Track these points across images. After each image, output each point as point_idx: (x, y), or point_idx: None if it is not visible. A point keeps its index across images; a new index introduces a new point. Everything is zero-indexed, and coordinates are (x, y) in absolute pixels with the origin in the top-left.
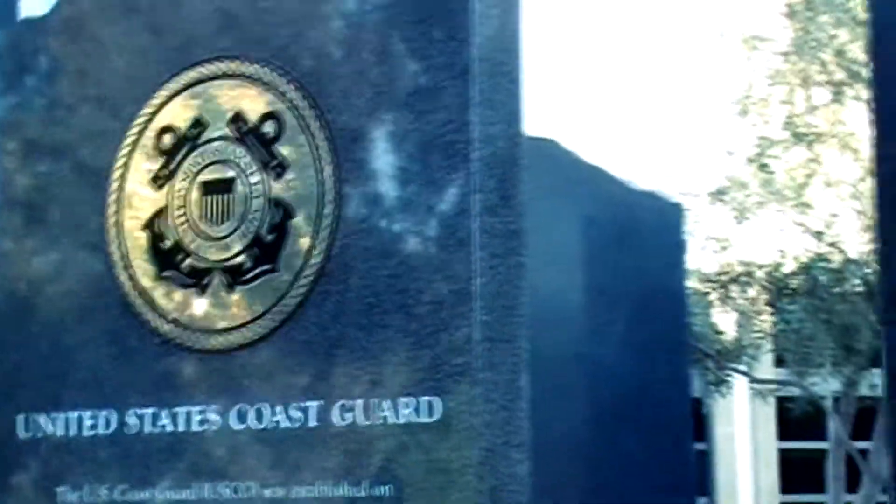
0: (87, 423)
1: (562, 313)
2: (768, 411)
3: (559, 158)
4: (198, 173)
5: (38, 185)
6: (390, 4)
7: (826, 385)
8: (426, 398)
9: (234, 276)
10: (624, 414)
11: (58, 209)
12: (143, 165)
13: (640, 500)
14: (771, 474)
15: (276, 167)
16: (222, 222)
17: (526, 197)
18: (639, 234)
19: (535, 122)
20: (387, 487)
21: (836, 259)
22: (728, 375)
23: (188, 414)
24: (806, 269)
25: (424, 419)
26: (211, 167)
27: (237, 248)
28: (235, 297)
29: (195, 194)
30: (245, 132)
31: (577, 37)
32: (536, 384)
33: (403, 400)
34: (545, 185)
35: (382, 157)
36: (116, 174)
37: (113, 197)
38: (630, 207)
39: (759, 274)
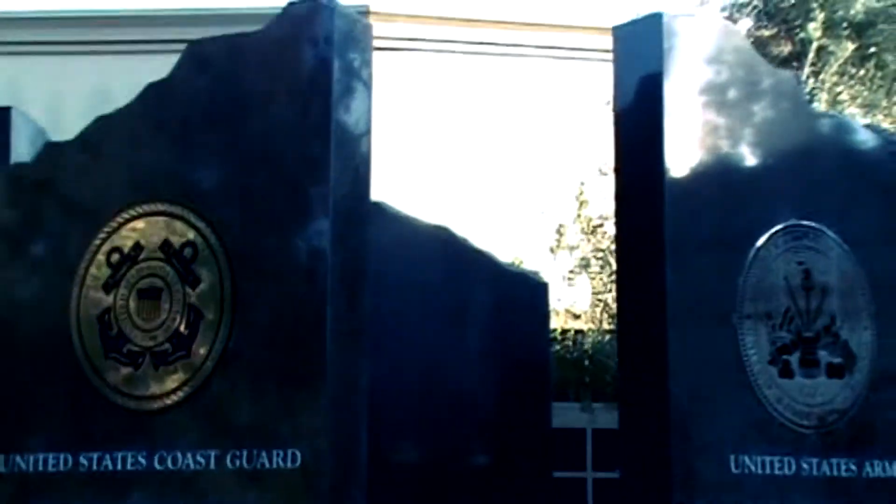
0: (51, 462)
1: (450, 370)
2: None
3: (451, 243)
4: (136, 283)
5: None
6: (272, 169)
7: None
8: (290, 450)
9: (160, 358)
10: (494, 451)
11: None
12: (97, 275)
13: None
14: None
15: (192, 281)
16: (153, 319)
17: (369, 304)
18: (512, 307)
19: (432, 213)
20: None
21: None
22: None
23: (124, 458)
24: None
25: (289, 465)
26: (145, 279)
27: (162, 338)
28: (160, 374)
29: (133, 298)
30: (171, 254)
31: (477, 125)
32: (419, 424)
33: (275, 451)
34: (436, 267)
35: (264, 278)
36: (78, 277)
37: (76, 293)
38: (505, 286)
39: None
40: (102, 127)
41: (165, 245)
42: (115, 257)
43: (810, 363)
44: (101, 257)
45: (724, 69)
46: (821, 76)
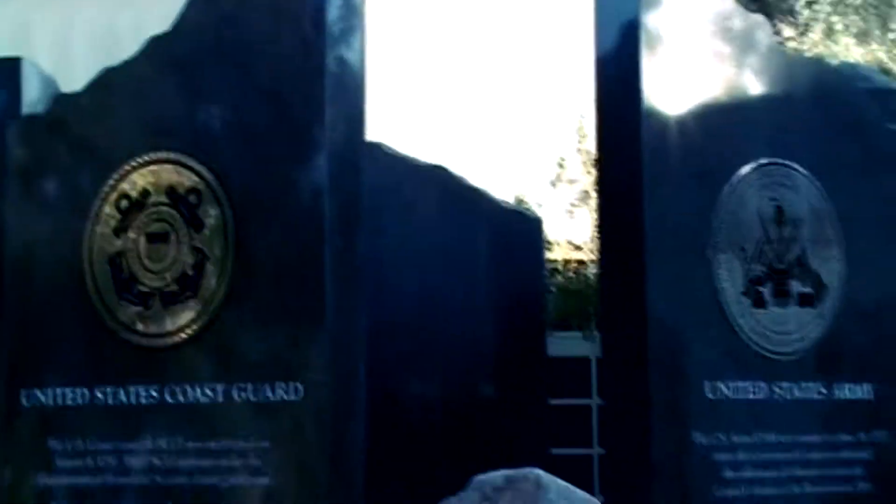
0: (69, 396)
1: (449, 303)
2: None
3: (448, 182)
4: (144, 227)
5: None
6: (269, 113)
7: None
8: (293, 383)
9: (168, 299)
10: (492, 382)
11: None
12: (107, 218)
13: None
14: None
15: (197, 225)
16: (161, 262)
17: (364, 248)
18: (508, 243)
19: (430, 150)
20: (268, 441)
21: None
22: None
23: (137, 392)
24: None
25: (292, 397)
26: (153, 223)
27: (170, 279)
28: (169, 313)
29: (143, 242)
30: (176, 200)
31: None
32: (419, 359)
33: (279, 384)
34: (436, 204)
35: (265, 221)
36: (90, 221)
37: (87, 234)
38: (501, 222)
39: None
40: (110, 78)
41: (171, 191)
42: (125, 202)
43: (782, 293)
44: (111, 200)
45: (699, 15)
46: (815, 6)
